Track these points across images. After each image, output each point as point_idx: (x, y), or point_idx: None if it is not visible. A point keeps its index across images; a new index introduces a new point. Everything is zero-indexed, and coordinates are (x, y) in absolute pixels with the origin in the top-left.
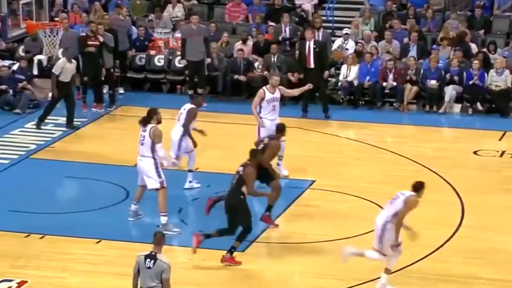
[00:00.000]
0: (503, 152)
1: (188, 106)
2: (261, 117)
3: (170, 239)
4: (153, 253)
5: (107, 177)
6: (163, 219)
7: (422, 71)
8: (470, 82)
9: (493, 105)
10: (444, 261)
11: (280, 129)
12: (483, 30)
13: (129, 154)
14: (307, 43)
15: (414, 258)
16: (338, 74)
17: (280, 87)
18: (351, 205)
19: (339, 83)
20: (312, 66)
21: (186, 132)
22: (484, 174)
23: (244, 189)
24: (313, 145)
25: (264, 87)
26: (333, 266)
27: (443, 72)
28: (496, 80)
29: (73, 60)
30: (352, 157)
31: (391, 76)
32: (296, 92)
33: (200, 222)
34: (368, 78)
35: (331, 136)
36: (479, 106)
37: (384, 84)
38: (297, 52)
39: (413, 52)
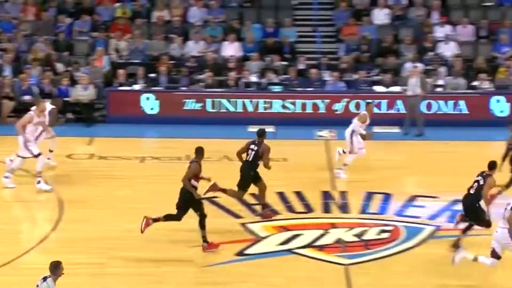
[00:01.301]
0: (92, 155)
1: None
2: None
3: None
4: (47, 276)
5: None
6: None
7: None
8: (65, 98)
9: (81, 115)
10: (50, 252)
11: (261, 133)
12: (68, 52)
13: None
14: None
15: (22, 251)
16: None
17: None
18: None
19: None
20: None
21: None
22: (79, 173)
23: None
24: None
25: (31, 112)
26: None
27: (35, 88)
28: (82, 94)
29: None
30: None
31: None
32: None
33: None
34: None
35: None
36: (69, 116)
37: None
38: None
39: (8, 71)
